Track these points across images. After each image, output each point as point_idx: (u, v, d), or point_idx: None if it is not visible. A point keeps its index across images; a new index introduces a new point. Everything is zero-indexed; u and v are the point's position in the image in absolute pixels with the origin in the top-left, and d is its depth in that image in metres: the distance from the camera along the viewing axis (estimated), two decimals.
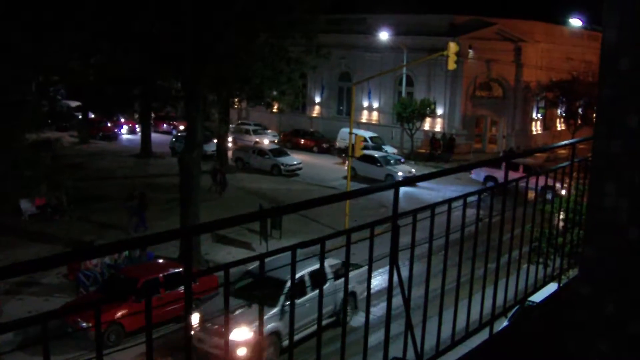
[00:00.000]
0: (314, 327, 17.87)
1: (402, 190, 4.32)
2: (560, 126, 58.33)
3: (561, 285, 6.24)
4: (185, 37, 24.42)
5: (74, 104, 60.13)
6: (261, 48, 28.61)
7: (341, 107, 60.80)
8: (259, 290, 3.86)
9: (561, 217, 6.49)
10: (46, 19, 23.11)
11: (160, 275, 21.63)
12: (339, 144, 51.53)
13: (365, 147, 45.34)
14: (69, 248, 26.32)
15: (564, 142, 6.47)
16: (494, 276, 5.18)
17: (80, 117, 57.72)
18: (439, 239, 4.59)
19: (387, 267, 4.35)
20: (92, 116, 58.43)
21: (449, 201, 4.62)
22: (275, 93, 37.93)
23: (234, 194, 38.01)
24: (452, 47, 33.02)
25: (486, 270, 5.05)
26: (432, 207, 4.51)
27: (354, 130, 35.25)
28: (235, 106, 53.56)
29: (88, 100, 52.93)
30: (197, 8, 23.87)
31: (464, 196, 4.76)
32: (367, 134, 49.68)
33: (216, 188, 37.41)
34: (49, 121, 51.56)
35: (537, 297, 6.04)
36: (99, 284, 23.42)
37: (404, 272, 4.43)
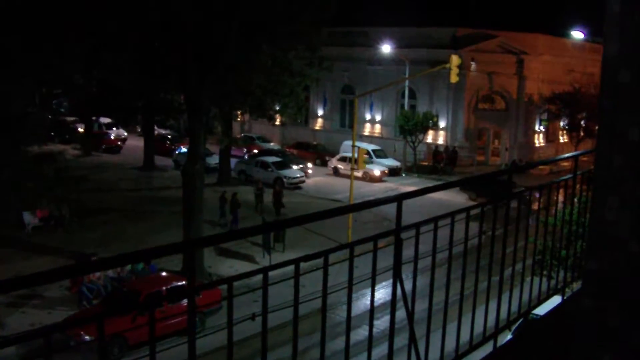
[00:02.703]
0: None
1: (407, 202, 4.32)
2: (563, 138, 58.32)
3: (565, 298, 6.22)
4: (187, 50, 24.51)
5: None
6: (264, 60, 28.69)
7: (344, 120, 60.86)
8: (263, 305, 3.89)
9: (565, 229, 6.48)
10: (47, 30, 23.23)
11: (164, 288, 21.62)
12: (342, 155, 51.54)
13: (370, 161, 45.46)
14: (72, 261, 26.32)
15: (566, 155, 6.48)
16: (498, 289, 5.17)
17: (80, 129, 57.79)
18: (442, 251, 4.59)
19: (391, 280, 4.34)
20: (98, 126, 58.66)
21: (452, 214, 4.62)
22: (277, 106, 37.99)
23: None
24: (454, 59, 33.14)
25: (490, 283, 5.05)
26: (435, 220, 4.51)
27: (357, 143, 35.29)
28: (238, 119, 53.66)
29: (91, 113, 53.03)
30: (198, 21, 23.96)
31: (467, 209, 4.76)
32: (370, 147, 49.65)
33: (259, 207, 36.89)
34: (52, 133, 51.74)
35: (541, 310, 6.02)
36: (102, 297, 23.41)
37: (408, 285, 4.42)
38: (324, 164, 52.41)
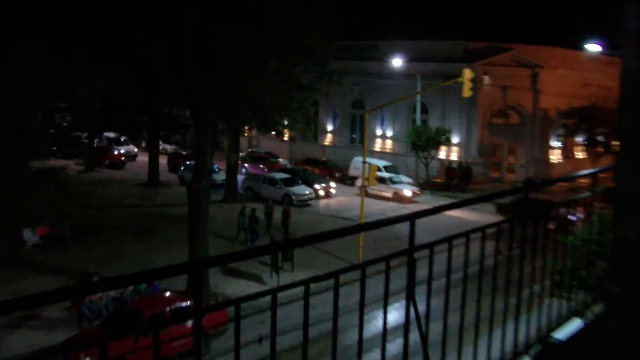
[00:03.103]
0: None
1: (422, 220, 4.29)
2: (580, 154, 58.14)
3: (586, 321, 6.15)
4: (193, 63, 24.62)
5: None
6: (271, 74, 28.79)
7: (354, 135, 60.93)
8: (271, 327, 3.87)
9: (584, 249, 6.42)
10: (50, 42, 23.40)
11: (167, 309, 21.57)
12: (352, 173, 51.53)
13: (381, 178, 45.45)
14: (72, 280, 26.32)
15: (585, 172, 6.43)
16: (515, 311, 5.12)
17: (84, 144, 58.05)
18: (457, 272, 4.55)
19: (404, 302, 4.30)
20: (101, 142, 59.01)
21: (467, 233, 4.58)
22: (286, 121, 38.04)
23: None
24: (467, 73, 33.12)
25: (507, 304, 4.99)
26: (449, 239, 4.48)
27: (368, 159, 35.27)
28: (246, 134, 53.81)
29: (94, 127, 53.29)
30: (205, 35, 24.08)
31: (483, 228, 4.72)
32: (381, 163, 49.65)
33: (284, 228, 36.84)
34: (55, 148, 51.97)
35: (560, 333, 5.95)
36: (103, 318, 23.36)
37: (421, 307, 4.38)
38: (343, 181, 52.09)
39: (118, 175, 53.54)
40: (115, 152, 59.05)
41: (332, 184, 49.01)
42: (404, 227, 4.34)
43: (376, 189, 46.04)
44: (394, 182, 47.38)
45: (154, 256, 30.54)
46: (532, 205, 5.19)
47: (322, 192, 47.42)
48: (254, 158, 56.76)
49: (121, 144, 61.42)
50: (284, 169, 51.40)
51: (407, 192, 46.53)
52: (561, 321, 5.91)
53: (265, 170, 52.01)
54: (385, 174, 47.83)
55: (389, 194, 45.97)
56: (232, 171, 45.69)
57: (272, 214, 37.02)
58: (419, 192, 47.06)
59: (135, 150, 61.67)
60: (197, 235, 26.74)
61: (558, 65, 54.19)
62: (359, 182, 48.69)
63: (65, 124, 53.27)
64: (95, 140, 58.04)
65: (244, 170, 53.58)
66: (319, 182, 48.14)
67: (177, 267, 3.09)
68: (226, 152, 44.09)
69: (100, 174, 53.36)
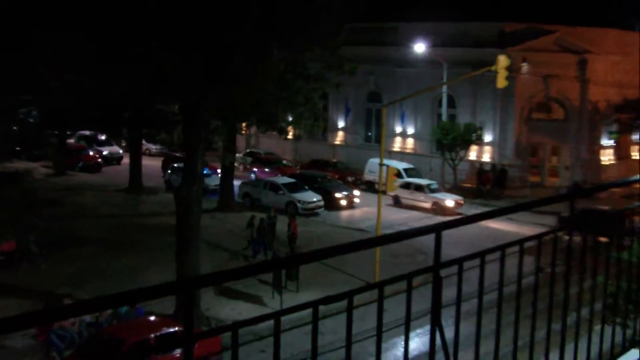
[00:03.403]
0: None
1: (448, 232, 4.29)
2: (637, 154, 57.93)
3: None
4: (184, 52, 24.67)
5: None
6: (274, 63, 28.83)
7: (369, 133, 60.97)
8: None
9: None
10: (14, 25, 23.43)
11: (152, 335, 21.60)
12: (367, 177, 51.52)
13: (418, 185, 45.51)
14: (39, 303, 26.31)
15: None
16: (560, 339, 5.11)
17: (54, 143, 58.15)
18: (490, 292, 4.55)
19: (428, 327, 4.31)
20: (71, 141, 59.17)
21: (502, 247, 4.58)
22: (290, 116, 38.08)
23: (239, 238, 38.00)
24: (502, 60, 33.11)
25: (549, 331, 4.99)
26: (481, 254, 4.47)
27: (385, 161, 35.28)
28: (243, 132, 53.80)
29: (66, 124, 53.39)
30: (202, 25, 24.11)
31: (521, 241, 4.72)
32: (401, 166, 49.63)
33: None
34: (18, 149, 52.12)
35: None
36: (75, 347, 23.36)
37: (449, 333, 4.38)
38: (357, 186, 51.64)
39: (94, 180, 53.65)
40: (91, 153, 59.12)
41: (356, 192, 48.57)
42: (428, 240, 4.34)
43: (412, 198, 45.84)
44: (433, 191, 46.84)
45: (136, 274, 30.60)
46: (593, 217, 5.20)
47: (343, 202, 46.96)
48: (264, 162, 56.76)
49: (102, 144, 61.58)
50: (300, 174, 50.98)
51: (449, 202, 45.73)
52: (616, 352, 5.89)
53: (278, 175, 51.08)
54: (422, 181, 47.61)
55: (427, 205, 45.45)
56: (227, 175, 45.75)
57: (276, 225, 36.89)
58: (462, 202, 46.35)
59: (120, 151, 61.73)
60: (186, 249, 26.78)
61: (610, 50, 54.04)
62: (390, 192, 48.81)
63: (31, 120, 53.42)
64: (73, 140, 58.27)
65: (252, 175, 53.56)
66: (340, 190, 47.88)
67: (165, 287, 3.10)
68: (221, 153, 44.22)
69: (73, 179, 53.49)
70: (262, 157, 58.69)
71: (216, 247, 35.28)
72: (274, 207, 40.12)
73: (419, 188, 46.73)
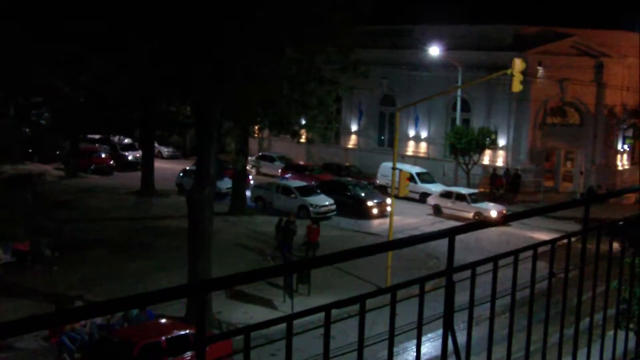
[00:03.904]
0: None
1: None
2: None
3: None
4: (194, 53, 24.71)
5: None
6: (287, 66, 28.86)
7: (382, 137, 60.87)
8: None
9: None
10: (26, 27, 23.51)
11: (163, 338, 21.64)
12: (379, 181, 51.48)
13: (460, 194, 44.98)
14: (51, 305, 26.41)
15: None
16: (573, 345, 5.10)
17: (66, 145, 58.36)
18: (503, 297, 4.55)
19: (440, 331, 4.31)
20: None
21: (515, 252, 4.58)
22: (303, 120, 38.11)
23: (251, 241, 38.06)
24: (517, 64, 33.03)
25: (562, 336, 4.98)
26: (494, 259, 4.48)
27: (398, 165, 35.25)
28: (256, 135, 53.92)
29: (77, 126, 53.59)
30: (211, 22, 24.15)
31: (534, 246, 4.72)
32: (414, 170, 49.61)
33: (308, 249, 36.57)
34: (30, 151, 52.40)
35: None
36: (87, 349, 23.44)
37: (461, 338, 4.39)
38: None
39: (106, 183, 53.78)
40: (103, 155, 59.26)
41: (389, 200, 45.42)
42: (440, 245, 4.35)
43: (454, 208, 45.01)
44: (475, 200, 45.65)
45: (148, 277, 30.68)
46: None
47: (375, 211, 45.66)
48: (295, 167, 56.37)
49: (127, 148, 61.52)
50: (329, 181, 50.06)
51: (493, 212, 44.07)
52: (630, 358, 5.89)
53: (313, 182, 50.05)
54: (464, 190, 46.88)
55: (469, 215, 44.27)
56: (240, 178, 45.80)
57: (294, 231, 36.36)
58: (505, 212, 43.69)
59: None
60: (198, 253, 26.82)
61: (628, 53, 53.78)
62: (431, 200, 47.62)
63: (42, 122, 53.69)
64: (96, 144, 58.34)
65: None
66: (372, 198, 46.74)
67: (176, 290, 3.12)
68: (233, 156, 44.27)
69: (85, 181, 53.62)
70: (295, 163, 58.29)
71: (228, 251, 35.23)
72: (292, 213, 40.06)
73: (460, 197, 45.69)
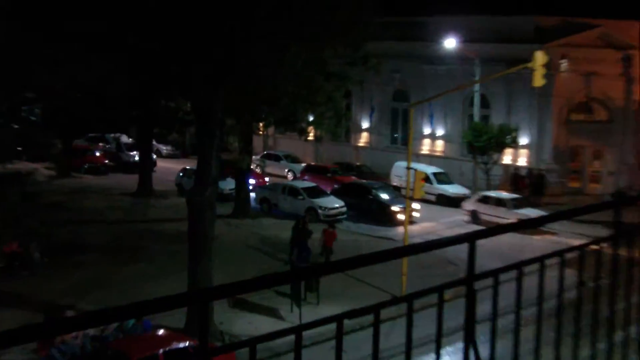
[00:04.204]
0: None
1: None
2: None
3: None
4: (193, 49, 24.75)
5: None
6: (293, 59, 28.85)
7: (395, 135, 60.97)
8: None
9: None
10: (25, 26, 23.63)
11: (161, 351, 21.64)
12: (393, 181, 51.47)
13: (499, 199, 44.41)
14: (40, 315, 26.42)
15: None
16: None
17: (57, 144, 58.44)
18: (529, 307, 4.50)
19: (461, 344, 4.27)
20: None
21: (541, 259, 4.53)
22: (311, 116, 38.13)
23: (256, 246, 38.07)
24: (540, 57, 32.96)
25: (594, 351, 4.93)
26: (519, 266, 4.44)
27: (413, 165, 35.22)
28: (260, 132, 53.97)
29: (70, 124, 53.72)
30: (213, 16, 24.19)
31: (561, 252, 4.67)
32: (430, 169, 49.60)
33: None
34: (20, 149, 52.44)
35: None
36: None
37: (483, 351, 4.35)
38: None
39: (100, 183, 53.92)
40: (98, 154, 59.37)
41: (416, 205, 44.17)
42: (459, 250, 4.31)
43: (492, 214, 43.82)
44: (517, 206, 44.28)
45: (144, 284, 30.66)
46: None
47: (402, 216, 41.61)
48: (314, 169, 56.01)
49: (132, 148, 61.29)
50: (350, 184, 49.46)
51: None
52: None
53: (335, 186, 49.72)
54: (504, 195, 46.18)
55: (510, 222, 43.13)
56: (243, 179, 45.81)
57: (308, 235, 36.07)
58: None
59: (154, 157, 60.96)
60: (199, 258, 26.82)
61: None
62: (468, 205, 46.53)
63: (33, 119, 53.85)
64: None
65: None
66: (398, 202, 44.82)
67: (176, 299, 3.08)
68: (236, 155, 44.35)
69: (78, 181, 53.79)
70: (313, 164, 58.08)
71: (230, 256, 35.20)
72: (306, 215, 40.06)
73: (500, 202, 44.88)
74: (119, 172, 57.68)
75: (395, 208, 44.82)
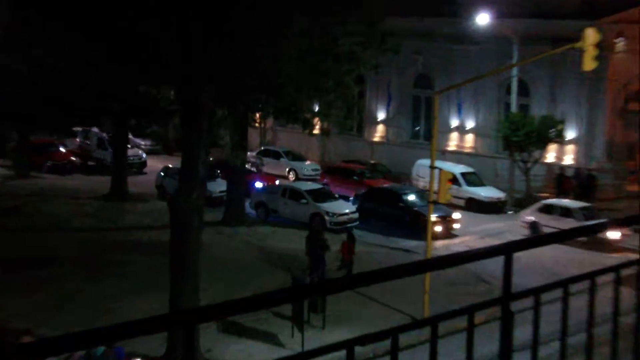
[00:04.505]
0: None
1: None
2: None
3: None
4: (177, 25, 24.83)
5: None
6: (296, 38, 28.87)
7: (417, 128, 61.12)
8: None
9: None
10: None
11: None
12: (414, 182, 51.49)
13: (566, 208, 43.64)
14: None
15: None
16: None
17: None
18: (577, 332, 4.50)
19: None
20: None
21: (590, 275, 4.53)
22: (317, 106, 38.14)
23: (251, 259, 38.11)
24: (590, 35, 32.92)
25: None
26: (564, 283, 4.43)
27: (438, 163, 35.24)
28: (257, 125, 54.06)
29: (28, 115, 53.79)
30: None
31: (617, 267, 4.67)
32: (458, 169, 49.64)
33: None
34: None
35: None
36: None
37: None
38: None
39: (66, 184, 54.00)
40: (62, 150, 59.38)
41: (457, 214, 45.17)
42: (493, 266, 4.30)
43: (557, 226, 41.77)
44: (588, 217, 42.51)
45: (117, 303, 30.74)
46: None
47: (439, 228, 42.31)
48: (337, 171, 55.68)
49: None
50: (376, 189, 49.10)
51: (613, 232, 39.73)
52: None
53: (362, 190, 49.42)
54: (572, 204, 45.12)
55: (582, 238, 41.56)
56: (236, 179, 45.80)
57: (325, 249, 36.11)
58: (629, 233, 39.81)
59: (144, 155, 61.42)
60: (183, 273, 26.84)
61: None
62: (527, 215, 45.41)
63: None
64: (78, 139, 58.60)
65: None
66: (434, 211, 40.63)
67: (155, 321, 3.08)
68: (228, 151, 44.40)
69: (39, 182, 53.88)
70: (338, 165, 57.72)
71: (221, 270, 35.25)
72: (318, 223, 40.18)
73: (566, 212, 43.83)
74: (98, 174, 57.24)
75: (432, 218, 43.48)
